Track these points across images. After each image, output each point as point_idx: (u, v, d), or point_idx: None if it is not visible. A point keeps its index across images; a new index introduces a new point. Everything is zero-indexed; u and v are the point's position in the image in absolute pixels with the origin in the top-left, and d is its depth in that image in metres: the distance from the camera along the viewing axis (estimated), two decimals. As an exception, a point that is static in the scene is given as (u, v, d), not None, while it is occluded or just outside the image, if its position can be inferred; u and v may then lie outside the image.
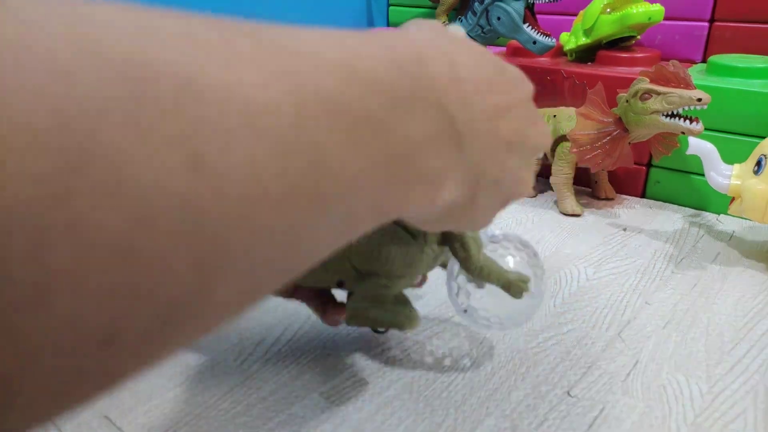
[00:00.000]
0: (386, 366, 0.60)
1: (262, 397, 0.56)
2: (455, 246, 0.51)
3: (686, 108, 0.82)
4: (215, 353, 0.62)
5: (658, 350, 0.63)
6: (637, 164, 1.02)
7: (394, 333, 0.65)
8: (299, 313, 0.69)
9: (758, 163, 0.76)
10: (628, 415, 0.54)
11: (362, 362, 0.61)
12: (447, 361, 0.61)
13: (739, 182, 0.78)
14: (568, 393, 0.57)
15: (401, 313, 0.55)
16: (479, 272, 0.51)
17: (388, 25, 1.51)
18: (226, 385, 0.57)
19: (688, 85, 0.83)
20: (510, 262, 0.55)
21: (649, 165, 1.03)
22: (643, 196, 1.05)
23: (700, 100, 0.81)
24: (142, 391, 0.56)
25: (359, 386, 0.57)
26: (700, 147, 0.81)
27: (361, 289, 0.55)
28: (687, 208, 1.00)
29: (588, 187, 1.07)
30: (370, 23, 1.48)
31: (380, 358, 0.61)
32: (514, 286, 0.52)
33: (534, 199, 1.05)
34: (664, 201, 1.02)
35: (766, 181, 0.75)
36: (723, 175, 0.80)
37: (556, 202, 1.02)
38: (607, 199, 1.04)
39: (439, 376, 0.59)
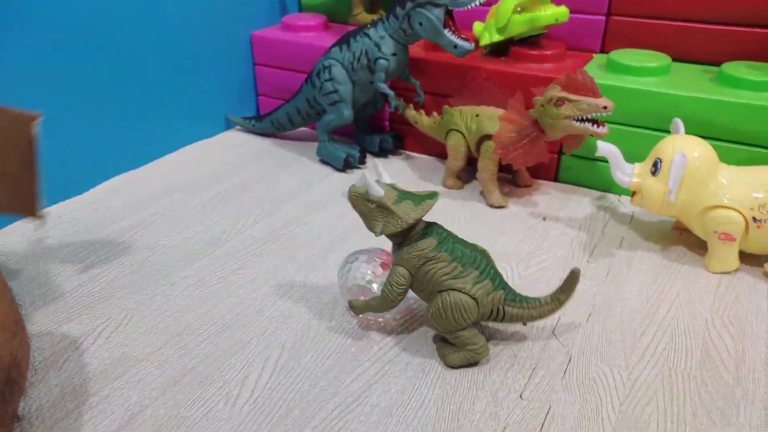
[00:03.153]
0: (363, 391, 0.68)
1: (260, 439, 0.62)
2: None
3: (594, 114, 0.93)
4: (204, 399, 0.67)
5: (586, 344, 0.75)
6: (550, 152, 1.13)
7: (365, 353, 0.73)
8: (273, 347, 0.74)
9: (654, 165, 0.89)
10: (570, 411, 0.66)
11: (342, 390, 0.68)
12: (417, 380, 0.70)
13: (639, 180, 0.90)
14: (521, 396, 0.67)
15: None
16: None
17: (300, 9, 1.50)
18: (224, 432, 0.63)
19: (595, 94, 0.93)
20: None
21: (560, 153, 1.15)
22: (555, 180, 1.17)
23: (605, 107, 0.91)
24: (146, 450, 0.60)
25: (345, 416, 0.65)
26: (606, 149, 0.92)
27: None
28: (594, 191, 1.13)
29: (509, 173, 1.17)
30: (283, 8, 1.46)
31: (357, 383, 0.69)
32: None
33: (462, 190, 1.14)
34: (575, 185, 1.15)
35: (662, 181, 0.87)
36: (626, 174, 0.92)
37: (481, 193, 1.11)
38: (526, 186, 1.15)
39: (412, 395, 0.67)
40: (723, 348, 0.75)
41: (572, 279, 0.71)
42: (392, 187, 0.71)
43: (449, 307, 0.68)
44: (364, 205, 0.70)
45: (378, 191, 0.69)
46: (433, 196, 0.70)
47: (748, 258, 0.91)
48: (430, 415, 0.65)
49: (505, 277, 0.88)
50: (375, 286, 0.76)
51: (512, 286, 0.84)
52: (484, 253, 0.72)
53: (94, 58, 1.09)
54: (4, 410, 0.48)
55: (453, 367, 0.71)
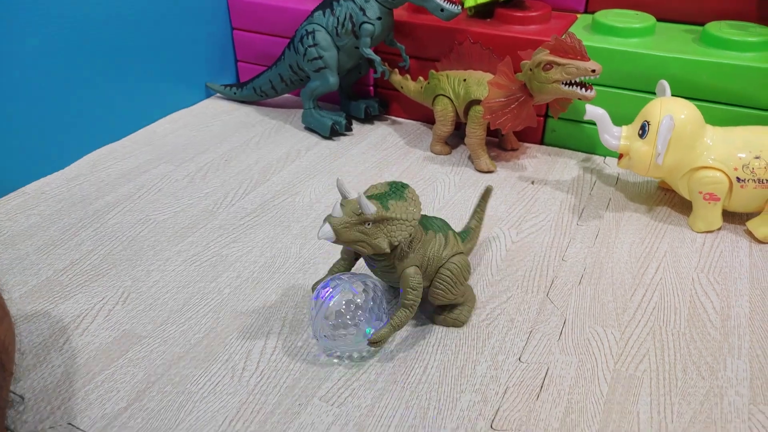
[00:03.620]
0: (368, 360, 0.70)
1: (269, 411, 0.63)
2: None
3: (582, 77, 0.93)
4: (210, 374, 0.68)
5: (580, 306, 0.78)
6: (537, 115, 1.14)
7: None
8: (275, 318, 0.75)
9: (642, 128, 0.90)
10: (567, 372, 0.68)
11: (346, 359, 0.69)
12: (419, 346, 0.71)
13: (627, 143, 0.92)
14: (519, 359, 0.70)
15: None
16: None
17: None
18: (233, 406, 0.64)
19: (583, 57, 0.93)
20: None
21: (546, 116, 1.15)
22: (541, 143, 1.18)
23: (594, 71, 0.92)
24: (159, 428, 0.61)
25: (351, 384, 0.66)
26: (594, 113, 0.93)
27: None
28: (579, 153, 1.15)
29: (495, 137, 1.18)
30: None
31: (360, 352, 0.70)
32: None
33: (450, 156, 1.14)
34: (560, 147, 1.16)
35: (649, 144, 0.89)
36: (614, 136, 0.93)
37: (470, 158, 1.12)
38: (513, 149, 1.16)
39: (415, 363, 0.69)
40: (709, 305, 0.78)
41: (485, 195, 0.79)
42: (371, 197, 0.65)
43: (460, 272, 0.70)
44: (358, 230, 0.63)
45: (371, 207, 0.61)
46: (405, 186, 0.66)
47: (730, 216, 0.94)
48: (434, 380, 0.67)
49: (498, 243, 0.90)
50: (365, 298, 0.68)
51: (506, 252, 0.86)
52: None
53: (69, 30, 1.05)
54: None
55: (465, 323, 0.74)
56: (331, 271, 0.74)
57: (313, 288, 0.72)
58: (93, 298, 0.79)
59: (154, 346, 0.71)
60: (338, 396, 0.65)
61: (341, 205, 0.62)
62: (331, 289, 0.67)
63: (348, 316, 0.66)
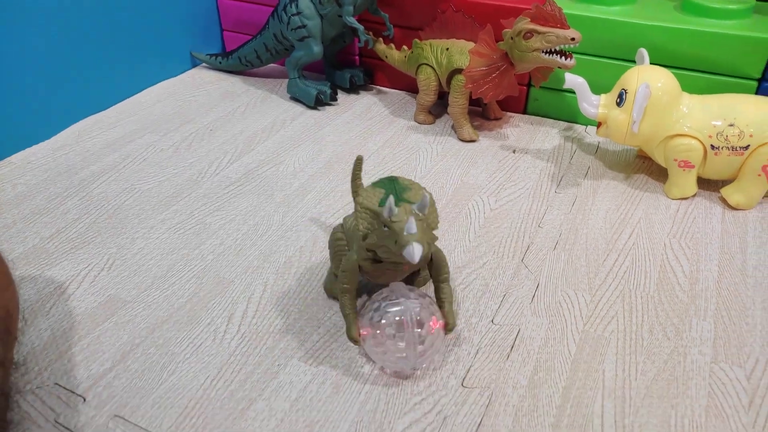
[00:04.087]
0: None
1: (249, 371, 0.66)
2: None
3: (562, 46, 0.94)
4: (192, 337, 0.70)
5: (553, 270, 0.80)
6: (519, 84, 1.15)
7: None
8: (257, 284, 0.77)
9: (620, 96, 0.91)
10: (537, 333, 0.71)
11: (326, 321, 0.72)
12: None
13: (605, 111, 0.93)
14: (492, 321, 0.72)
15: None
16: None
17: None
18: (214, 366, 0.66)
19: (563, 25, 0.94)
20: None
21: (529, 85, 1.16)
22: (524, 112, 1.19)
23: (573, 39, 0.93)
24: (142, 387, 0.64)
25: (330, 345, 0.69)
26: (573, 81, 0.94)
27: None
28: (561, 122, 1.16)
29: (479, 107, 1.19)
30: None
31: (339, 315, 0.73)
32: None
33: (433, 125, 1.15)
34: (543, 116, 1.17)
35: (626, 112, 0.90)
36: (592, 105, 0.94)
37: (453, 127, 1.13)
38: (496, 118, 1.17)
39: (390, 324, 0.71)
40: (679, 269, 0.80)
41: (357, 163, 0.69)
42: (371, 191, 0.62)
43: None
44: (381, 229, 0.58)
45: (392, 210, 0.57)
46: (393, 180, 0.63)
47: (706, 184, 0.96)
48: (408, 341, 0.69)
49: (476, 210, 0.92)
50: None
51: (484, 219, 0.88)
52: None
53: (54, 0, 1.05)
54: (4, 356, 0.50)
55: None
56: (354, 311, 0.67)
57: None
58: (79, 265, 0.80)
59: (138, 311, 0.73)
60: (316, 357, 0.67)
61: (415, 220, 0.56)
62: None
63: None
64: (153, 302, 0.75)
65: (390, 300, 0.63)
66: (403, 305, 0.62)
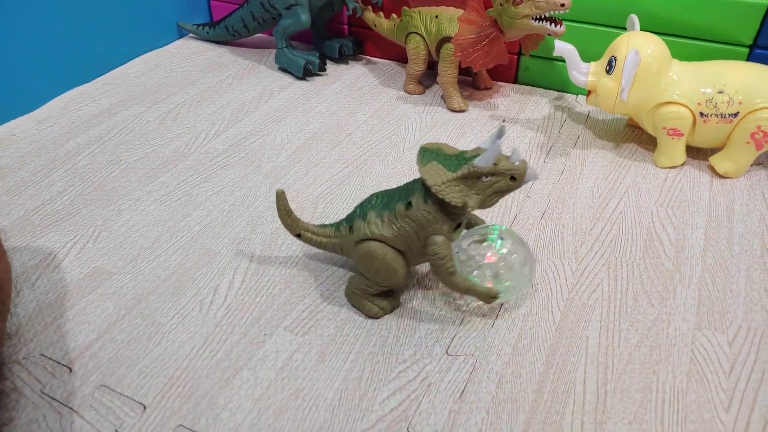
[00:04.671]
0: (332, 292, 0.72)
1: (235, 341, 0.66)
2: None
3: (552, 12, 0.93)
4: (178, 307, 0.70)
5: (540, 239, 0.80)
6: (509, 53, 1.13)
7: (329, 262, 0.76)
8: (243, 255, 0.77)
9: (609, 64, 0.90)
10: (522, 301, 0.71)
11: (312, 292, 0.72)
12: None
13: (594, 79, 0.92)
14: (478, 290, 0.72)
15: None
16: None
17: None
18: (200, 336, 0.66)
19: (553, -9, 0.92)
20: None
21: (519, 54, 1.14)
22: (515, 82, 1.17)
23: (563, 5, 0.91)
24: (128, 357, 0.64)
25: (315, 315, 0.69)
26: (563, 49, 0.92)
27: None
28: (552, 91, 1.15)
29: (469, 76, 1.17)
30: None
31: (325, 285, 0.73)
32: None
33: (423, 95, 1.14)
34: (533, 86, 1.16)
35: (615, 80, 0.89)
36: (582, 73, 0.93)
37: (442, 97, 1.12)
38: (486, 88, 1.16)
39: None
40: (665, 237, 0.80)
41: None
42: (432, 168, 0.61)
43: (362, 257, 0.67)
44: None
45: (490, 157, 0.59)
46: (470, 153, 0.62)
47: (693, 151, 0.96)
48: (394, 311, 0.70)
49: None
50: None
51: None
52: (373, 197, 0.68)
53: (29, -36, 1.02)
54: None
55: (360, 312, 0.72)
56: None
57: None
58: (64, 237, 0.80)
59: (124, 282, 0.73)
60: (302, 326, 0.68)
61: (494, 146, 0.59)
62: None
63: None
64: (139, 273, 0.75)
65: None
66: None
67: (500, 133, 0.58)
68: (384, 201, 0.65)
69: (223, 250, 0.78)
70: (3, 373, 0.60)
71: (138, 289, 0.72)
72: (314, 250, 0.78)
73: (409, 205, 0.62)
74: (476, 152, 0.61)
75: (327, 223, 0.76)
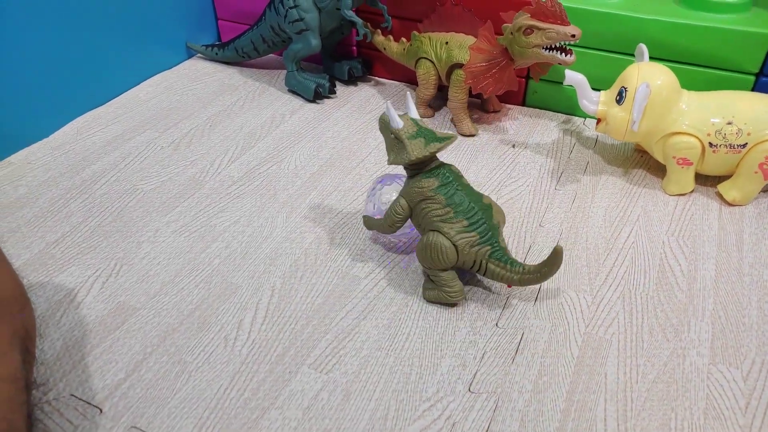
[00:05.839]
0: (353, 327, 0.73)
1: (261, 379, 0.67)
2: None
3: (562, 42, 0.94)
4: (203, 344, 0.71)
5: (554, 271, 0.82)
6: (518, 77, 1.15)
7: (352, 290, 0.78)
8: (264, 288, 0.78)
9: (620, 94, 0.92)
10: (541, 336, 0.72)
11: (334, 328, 0.73)
12: (402, 314, 0.75)
13: (605, 108, 0.94)
14: (497, 324, 0.74)
15: None
16: None
17: None
18: (227, 375, 0.68)
19: (563, 21, 0.94)
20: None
21: (527, 77, 1.16)
22: (523, 104, 1.19)
23: (573, 36, 0.93)
24: (157, 396, 0.65)
25: (338, 352, 0.70)
26: (573, 78, 0.94)
27: None
28: (560, 114, 1.16)
29: (478, 99, 1.19)
30: None
31: (346, 321, 0.74)
32: None
33: (433, 118, 1.15)
34: (542, 108, 1.18)
35: (626, 110, 0.91)
36: (592, 102, 0.94)
37: (452, 121, 1.13)
38: (495, 111, 1.17)
39: (398, 330, 0.73)
40: (678, 268, 0.82)
41: (554, 255, 0.70)
42: (415, 122, 0.74)
43: (430, 246, 0.72)
44: (387, 133, 0.76)
45: (397, 123, 0.73)
46: (448, 138, 0.73)
47: (701, 178, 0.97)
48: (416, 346, 0.71)
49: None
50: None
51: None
52: (486, 208, 0.73)
53: (43, -8, 1.03)
54: (27, 377, 0.51)
55: (428, 302, 0.77)
56: None
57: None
58: (86, 271, 0.81)
59: (148, 318, 0.74)
60: (326, 363, 0.69)
61: (390, 111, 0.74)
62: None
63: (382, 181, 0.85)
64: (162, 309, 0.76)
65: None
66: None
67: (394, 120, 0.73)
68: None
69: (244, 283, 0.79)
70: (35, 415, 0.61)
71: (162, 325, 0.73)
72: (333, 284, 0.79)
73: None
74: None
75: None
